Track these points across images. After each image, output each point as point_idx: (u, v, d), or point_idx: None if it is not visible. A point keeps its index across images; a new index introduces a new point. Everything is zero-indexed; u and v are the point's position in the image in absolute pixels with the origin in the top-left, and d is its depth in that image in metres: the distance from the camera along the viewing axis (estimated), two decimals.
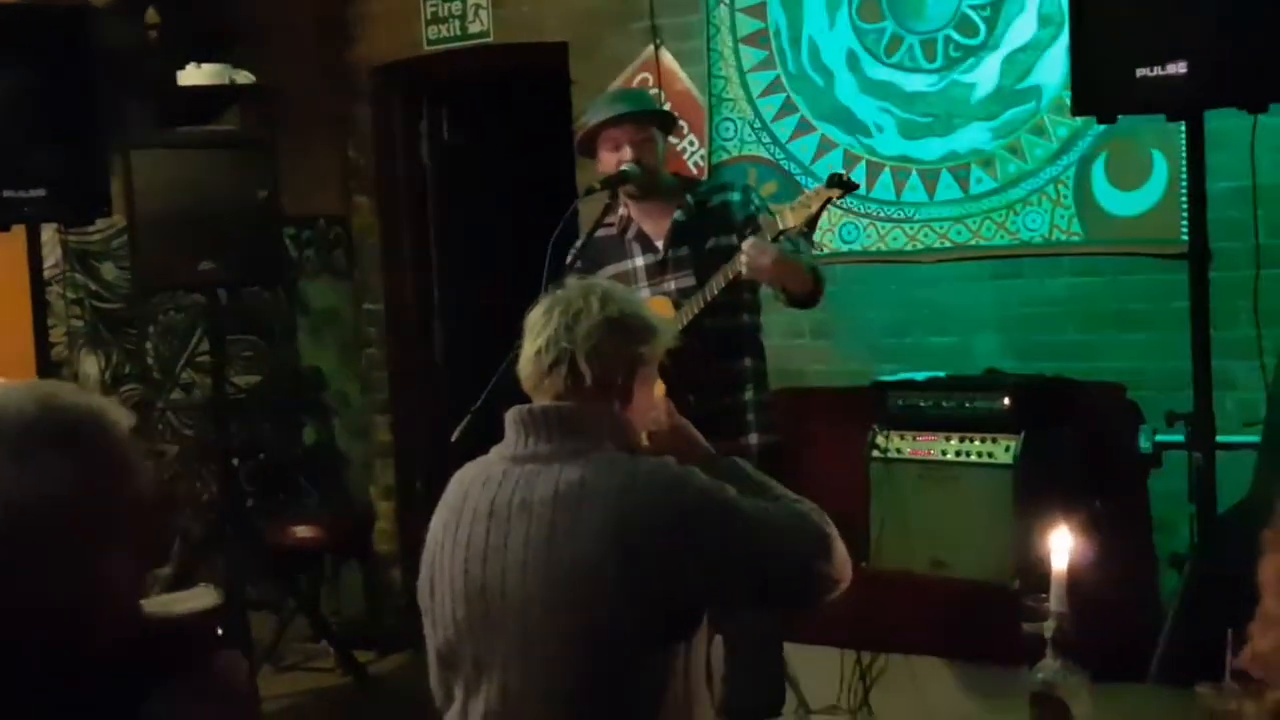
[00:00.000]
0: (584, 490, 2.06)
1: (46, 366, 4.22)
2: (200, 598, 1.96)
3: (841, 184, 3.34)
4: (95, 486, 1.39)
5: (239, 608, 4.93)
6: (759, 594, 2.27)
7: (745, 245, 3.30)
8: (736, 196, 3.61)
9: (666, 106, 4.55)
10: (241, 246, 4.69)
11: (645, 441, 2.27)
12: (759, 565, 2.13)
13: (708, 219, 3.57)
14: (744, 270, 3.29)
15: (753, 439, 3.57)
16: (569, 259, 3.57)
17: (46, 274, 4.22)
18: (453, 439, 3.26)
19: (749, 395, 3.59)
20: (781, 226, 3.32)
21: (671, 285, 3.52)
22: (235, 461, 5.10)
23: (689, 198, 3.61)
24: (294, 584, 5.20)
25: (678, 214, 3.58)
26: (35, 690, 1.36)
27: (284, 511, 5.45)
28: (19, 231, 3.82)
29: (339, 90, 5.70)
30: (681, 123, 4.64)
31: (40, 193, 3.72)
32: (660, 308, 3.42)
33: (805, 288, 3.44)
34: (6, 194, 3.69)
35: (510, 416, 2.19)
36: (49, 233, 4.59)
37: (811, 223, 3.33)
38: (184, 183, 4.61)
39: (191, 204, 4.58)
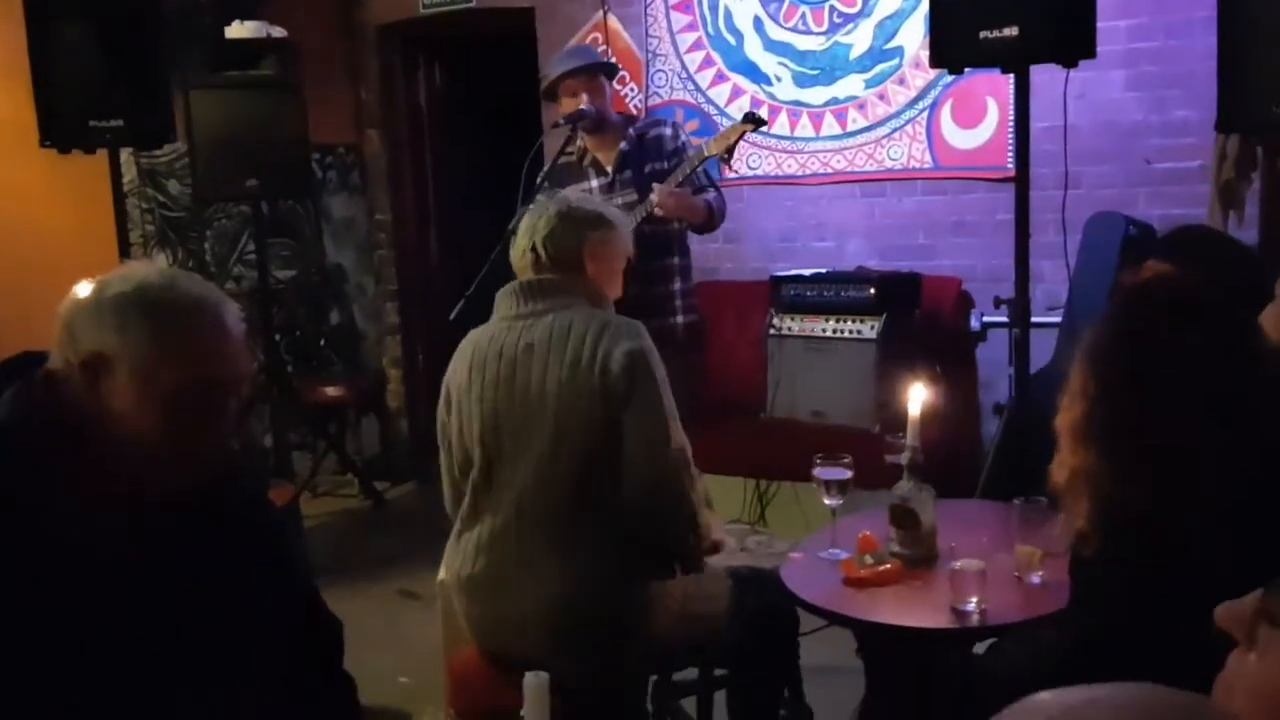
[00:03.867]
0: (572, 328, 2.13)
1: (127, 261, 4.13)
2: None
3: (753, 120, 3.33)
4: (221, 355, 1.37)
5: (285, 448, 4.92)
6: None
7: (656, 190, 3.33)
8: (668, 131, 3.57)
9: (611, 59, 4.46)
10: (278, 168, 4.60)
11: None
12: (648, 417, 2.11)
13: (646, 149, 3.53)
14: (656, 209, 3.34)
15: (679, 319, 3.57)
16: (539, 179, 3.52)
17: (125, 188, 4.12)
18: (451, 318, 3.24)
19: (676, 285, 3.58)
20: (706, 153, 3.32)
21: (619, 201, 3.47)
22: (277, 337, 5.03)
23: (631, 132, 3.56)
24: (325, 431, 5.18)
25: (623, 145, 3.53)
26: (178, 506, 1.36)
27: (316, 376, 5.40)
28: (102, 155, 3.71)
29: (352, 44, 5.54)
30: (624, 72, 4.58)
31: (118, 123, 3.60)
32: None
33: (700, 219, 3.47)
34: (91, 124, 3.57)
35: (505, 290, 2.26)
36: (126, 155, 4.47)
37: (730, 150, 3.32)
38: (232, 117, 4.51)
39: (238, 134, 4.49)
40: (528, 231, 2.27)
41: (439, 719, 2.30)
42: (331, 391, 5.32)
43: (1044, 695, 0.67)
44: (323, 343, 5.57)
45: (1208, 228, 1.68)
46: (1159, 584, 1.44)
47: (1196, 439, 1.46)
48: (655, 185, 3.35)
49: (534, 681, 1.01)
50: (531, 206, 2.35)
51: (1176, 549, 1.42)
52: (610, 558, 2.11)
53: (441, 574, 2.39)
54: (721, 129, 3.42)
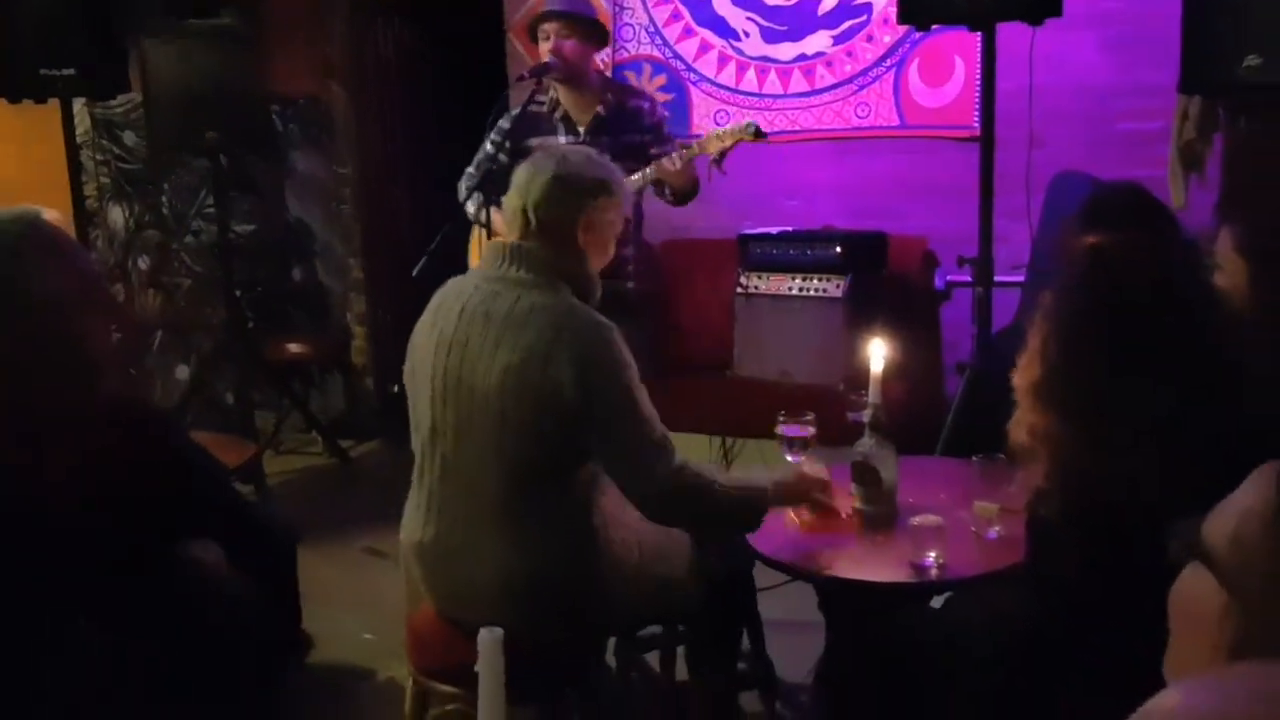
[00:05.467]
0: (532, 316, 2.02)
1: (81, 215, 4.06)
2: None
3: (755, 132, 3.29)
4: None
5: (248, 406, 4.89)
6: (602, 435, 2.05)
7: (666, 160, 3.31)
8: (646, 104, 3.53)
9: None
10: (237, 120, 4.53)
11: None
12: (614, 420, 2.03)
13: (624, 118, 3.48)
14: (665, 188, 3.37)
15: (630, 284, 3.54)
16: (506, 126, 3.45)
17: (78, 140, 4.05)
18: (414, 274, 3.21)
19: (629, 250, 3.52)
20: (701, 150, 3.31)
21: None
22: (238, 293, 4.97)
23: (611, 97, 3.51)
24: (289, 388, 5.15)
25: (600, 109, 3.47)
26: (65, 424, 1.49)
27: (278, 333, 5.35)
28: (54, 104, 3.64)
29: None
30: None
31: (70, 72, 3.54)
32: None
33: (688, 189, 3.45)
34: (43, 72, 3.50)
35: (491, 245, 2.16)
36: (79, 106, 4.38)
37: (724, 154, 3.29)
38: (190, 67, 4.43)
39: (196, 84, 4.42)
40: (520, 191, 2.12)
41: (401, 675, 2.32)
42: (295, 349, 5.28)
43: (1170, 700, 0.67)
44: (286, 299, 5.52)
45: (1132, 188, 1.71)
46: (1116, 543, 1.47)
47: (1154, 403, 1.49)
48: (661, 160, 3.32)
49: (488, 637, 1.02)
50: (525, 162, 2.18)
51: (1133, 509, 1.45)
52: (564, 527, 2.06)
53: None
54: (720, 129, 3.36)
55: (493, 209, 3.07)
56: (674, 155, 3.33)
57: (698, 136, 3.39)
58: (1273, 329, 1.70)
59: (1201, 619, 0.75)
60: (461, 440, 2.07)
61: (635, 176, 3.39)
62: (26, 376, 1.51)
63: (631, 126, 3.47)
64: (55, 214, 1.70)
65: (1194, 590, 0.77)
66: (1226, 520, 0.77)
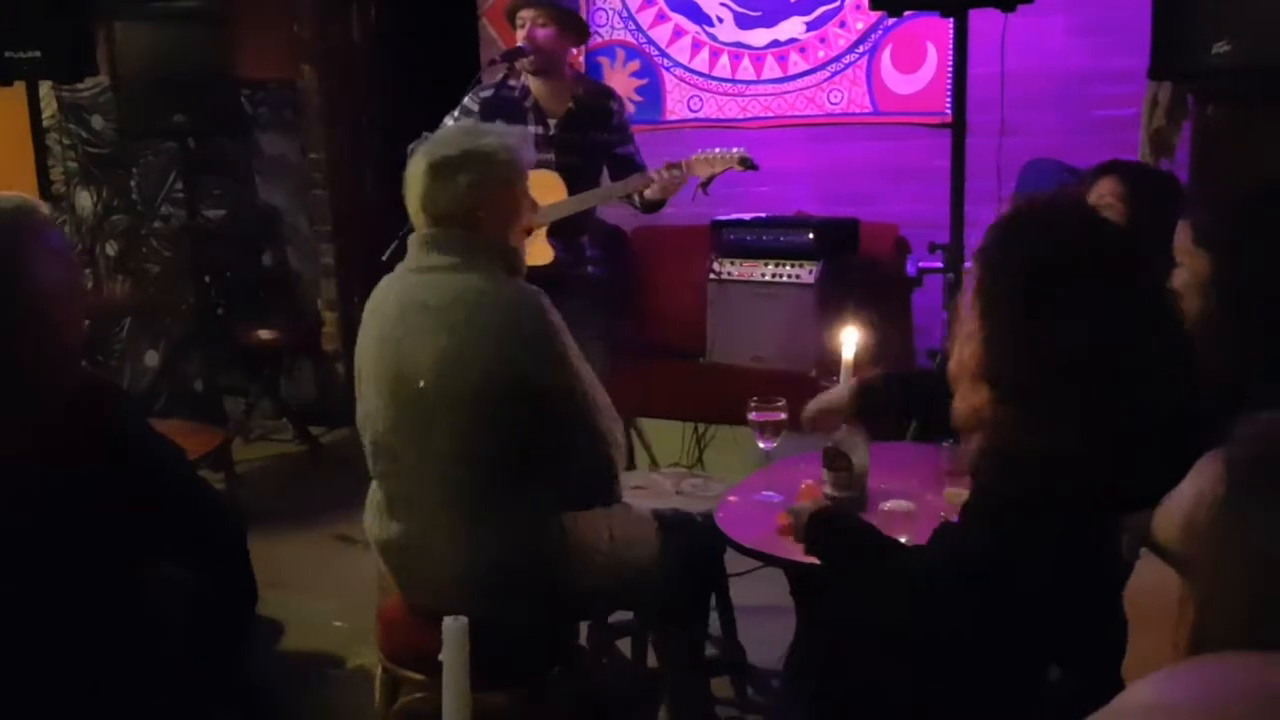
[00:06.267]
0: (456, 297, 2.01)
1: (48, 200, 4.01)
2: None
3: (745, 163, 3.29)
4: None
5: (217, 393, 4.85)
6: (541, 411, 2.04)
7: (656, 175, 3.31)
8: (614, 105, 3.51)
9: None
10: (206, 103, 4.48)
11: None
12: (557, 381, 2.03)
13: (595, 115, 3.46)
14: (650, 192, 3.34)
15: (589, 269, 3.53)
16: (475, 108, 3.40)
17: (45, 123, 4.00)
18: (384, 259, 3.19)
19: (585, 237, 3.53)
20: (690, 172, 3.30)
21: (552, 158, 3.40)
22: (207, 279, 4.92)
23: (583, 92, 3.48)
24: (259, 374, 5.11)
25: (572, 104, 3.44)
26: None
27: (248, 319, 5.31)
28: (20, 87, 3.59)
29: None
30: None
31: (36, 54, 3.49)
32: (548, 180, 3.34)
33: (661, 204, 3.46)
34: (8, 54, 3.45)
35: (412, 238, 2.13)
36: (45, 89, 4.32)
37: (710, 180, 3.31)
38: (159, 49, 4.37)
39: (165, 67, 4.36)
40: (410, 192, 2.10)
41: (372, 663, 2.30)
42: (265, 334, 5.23)
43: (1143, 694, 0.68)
44: (256, 285, 5.47)
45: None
46: (1059, 527, 1.44)
47: (1089, 385, 1.46)
48: (655, 170, 3.32)
49: (453, 626, 1.01)
50: (413, 150, 2.15)
51: (1073, 492, 1.43)
52: (526, 513, 2.04)
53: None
54: (710, 152, 3.34)
55: None
56: (661, 174, 3.30)
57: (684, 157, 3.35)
58: (1235, 323, 1.67)
59: (1159, 611, 0.75)
60: (411, 434, 2.05)
61: (615, 185, 3.39)
62: (6, 361, 1.52)
63: (601, 125, 3.46)
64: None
65: (1150, 584, 0.77)
66: (1178, 510, 0.76)
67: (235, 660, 1.66)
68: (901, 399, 2.21)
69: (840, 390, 2.25)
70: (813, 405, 2.25)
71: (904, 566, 1.67)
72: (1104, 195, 2.48)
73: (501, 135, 2.15)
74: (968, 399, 1.57)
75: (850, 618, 1.83)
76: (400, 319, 2.06)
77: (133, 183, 4.98)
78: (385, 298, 2.12)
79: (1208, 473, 0.76)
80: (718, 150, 3.33)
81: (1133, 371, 1.46)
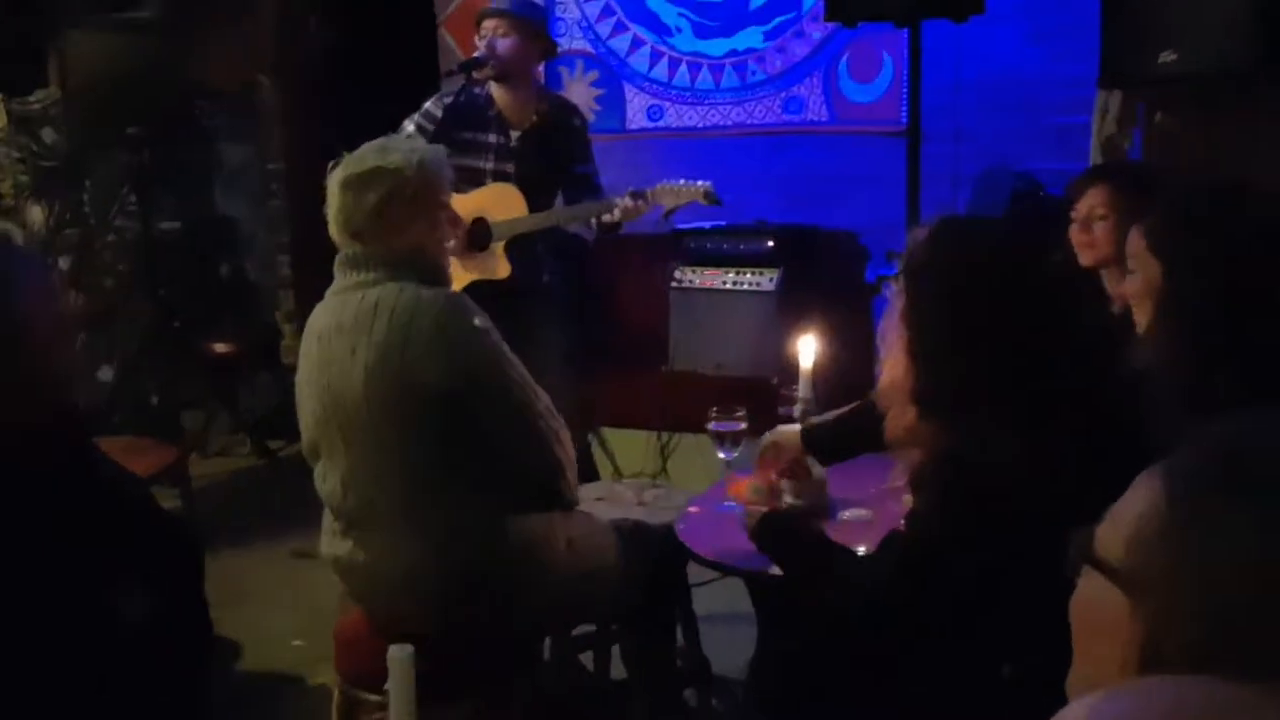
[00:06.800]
0: (378, 308, 1.99)
1: None
2: None
3: (708, 196, 3.26)
4: None
5: (174, 407, 4.79)
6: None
7: (620, 203, 3.26)
8: (579, 123, 3.49)
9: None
10: (161, 114, 4.43)
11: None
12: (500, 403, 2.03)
13: (560, 131, 3.43)
14: (614, 216, 3.28)
15: (546, 278, 3.48)
16: (438, 114, 3.36)
17: None
18: None
19: (539, 246, 3.45)
20: (655, 200, 3.26)
21: (512, 170, 3.37)
22: (162, 291, 4.86)
23: (546, 107, 3.44)
24: (216, 387, 5.05)
25: (536, 117, 3.40)
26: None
27: (206, 331, 5.24)
28: None
29: None
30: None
31: None
32: (508, 195, 3.32)
33: (620, 225, 3.39)
34: None
35: (336, 262, 2.12)
36: None
37: (673, 210, 3.29)
38: (111, 59, 4.32)
39: (118, 78, 4.30)
40: (329, 214, 2.10)
41: (331, 681, 2.27)
42: (222, 347, 5.17)
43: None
44: (213, 297, 5.41)
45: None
46: (986, 529, 1.43)
47: (1020, 399, 1.46)
48: (620, 198, 3.27)
49: (399, 655, 1.00)
50: (332, 167, 2.14)
51: (1008, 508, 1.42)
52: (473, 526, 2.03)
53: None
54: (675, 184, 3.30)
55: None
56: (624, 202, 3.26)
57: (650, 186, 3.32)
58: (1190, 331, 1.65)
59: (1104, 625, 0.74)
60: (349, 456, 2.04)
61: (578, 208, 3.37)
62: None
63: (564, 142, 3.43)
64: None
65: (1094, 598, 0.76)
66: (1121, 525, 0.76)
67: (189, 707, 1.62)
68: (851, 440, 2.18)
69: (791, 429, 2.24)
70: (767, 438, 2.24)
71: (848, 572, 1.68)
72: (1095, 206, 2.51)
73: (410, 151, 2.12)
74: (899, 417, 1.57)
75: (806, 620, 1.83)
76: (327, 344, 2.05)
77: (85, 195, 4.91)
78: (313, 326, 2.12)
79: (1148, 490, 0.76)
80: (683, 182, 3.31)
81: (1063, 383, 1.46)
